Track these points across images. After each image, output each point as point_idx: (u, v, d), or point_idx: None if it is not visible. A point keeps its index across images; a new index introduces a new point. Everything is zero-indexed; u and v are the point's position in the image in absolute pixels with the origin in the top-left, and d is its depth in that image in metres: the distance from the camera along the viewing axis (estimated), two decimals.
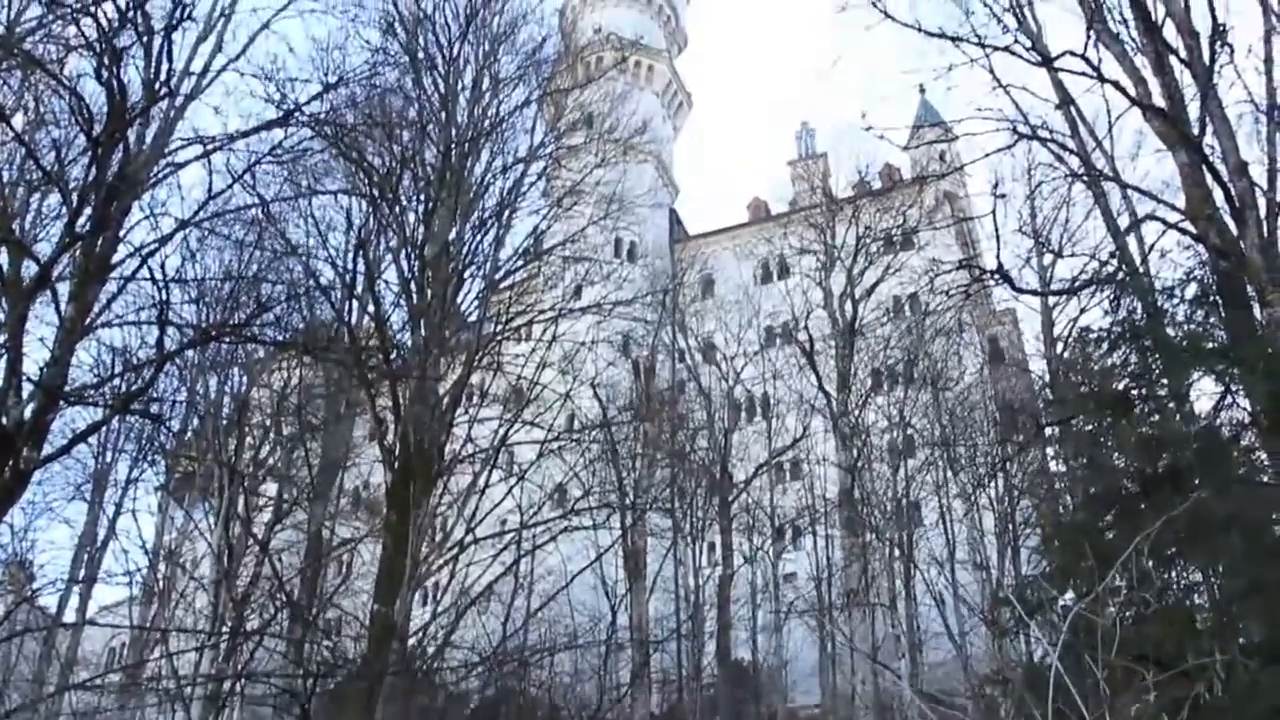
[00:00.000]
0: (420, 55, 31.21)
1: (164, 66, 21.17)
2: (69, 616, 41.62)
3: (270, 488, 39.19)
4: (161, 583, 41.63)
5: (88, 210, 19.69)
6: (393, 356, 28.35)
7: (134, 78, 21.21)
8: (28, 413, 17.93)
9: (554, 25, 42.63)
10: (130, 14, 20.62)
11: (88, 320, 20.08)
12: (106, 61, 19.80)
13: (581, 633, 43.69)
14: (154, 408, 29.38)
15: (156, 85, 20.95)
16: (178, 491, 42.36)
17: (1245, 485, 20.09)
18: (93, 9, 20.46)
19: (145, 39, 20.94)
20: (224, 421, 37.39)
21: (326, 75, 27.57)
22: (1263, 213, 20.70)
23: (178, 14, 21.15)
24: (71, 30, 22.31)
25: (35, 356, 24.00)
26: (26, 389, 18.35)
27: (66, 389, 20.09)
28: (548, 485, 38.65)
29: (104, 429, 36.92)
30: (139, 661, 40.57)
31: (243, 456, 36.76)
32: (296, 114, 24.37)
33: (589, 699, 43.43)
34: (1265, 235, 20.23)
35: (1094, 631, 13.01)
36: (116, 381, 29.26)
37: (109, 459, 42.65)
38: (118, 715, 38.06)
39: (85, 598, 41.61)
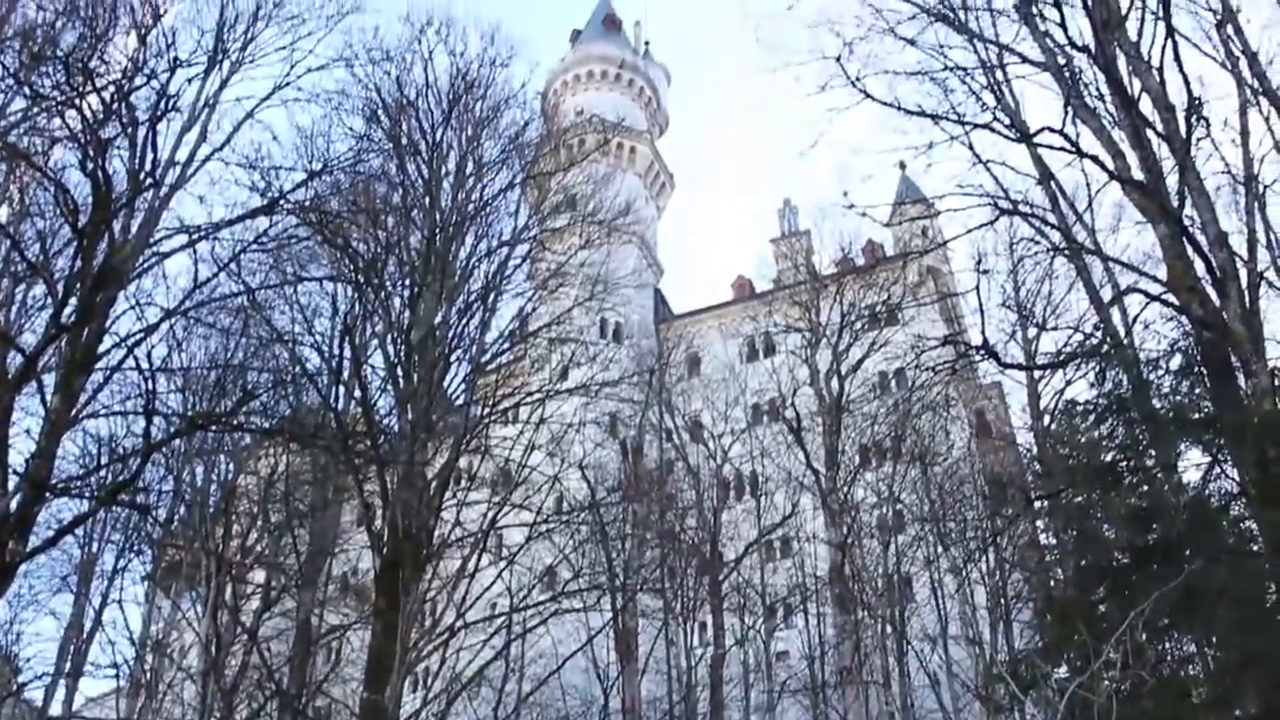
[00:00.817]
0: (404, 141, 31.43)
1: (149, 157, 21.33)
2: (55, 709, 41.07)
3: (258, 575, 38.93)
4: (149, 674, 41.19)
5: (73, 301, 19.73)
6: (380, 441, 28.31)
7: (119, 168, 21.36)
8: (13, 505, 17.86)
9: (536, 109, 42.99)
10: (115, 105, 20.79)
11: (74, 411, 20.06)
12: (91, 153, 19.93)
13: (574, 717, 43.33)
14: (140, 498, 29.30)
15: (141, 175, 21.09)
16: (165, 581, 42.02)
17: (1236, 556, 20.08)
18: (77, 101, 20.62)
19: (130, 130, 21.10)
20: (211, 510, 37.19)
21: (311, 163, 27.78)
22: (1244, 283, 20.81)
23: (162, 105, 21.34)
24: (56, 122, 22.47)
25: (21, 448, 23.94)
26: (12, 481, 18.28)
27: (52, 480, 20.02)
28: (537, 568, 38.46)
29: (90, 520, 36.68)
30: None
31: (230, 545, 36.54)
32: (281, 202, 24.55)
33: None
34: (1247, 305, 20.33)
35: (1090, 707, 12.94)
36: (103, 472, 29.14)
37: (95, 549, 42.33)
38: None
39: (72, 690, 41.11)
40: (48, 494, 19.62)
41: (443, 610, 33.07)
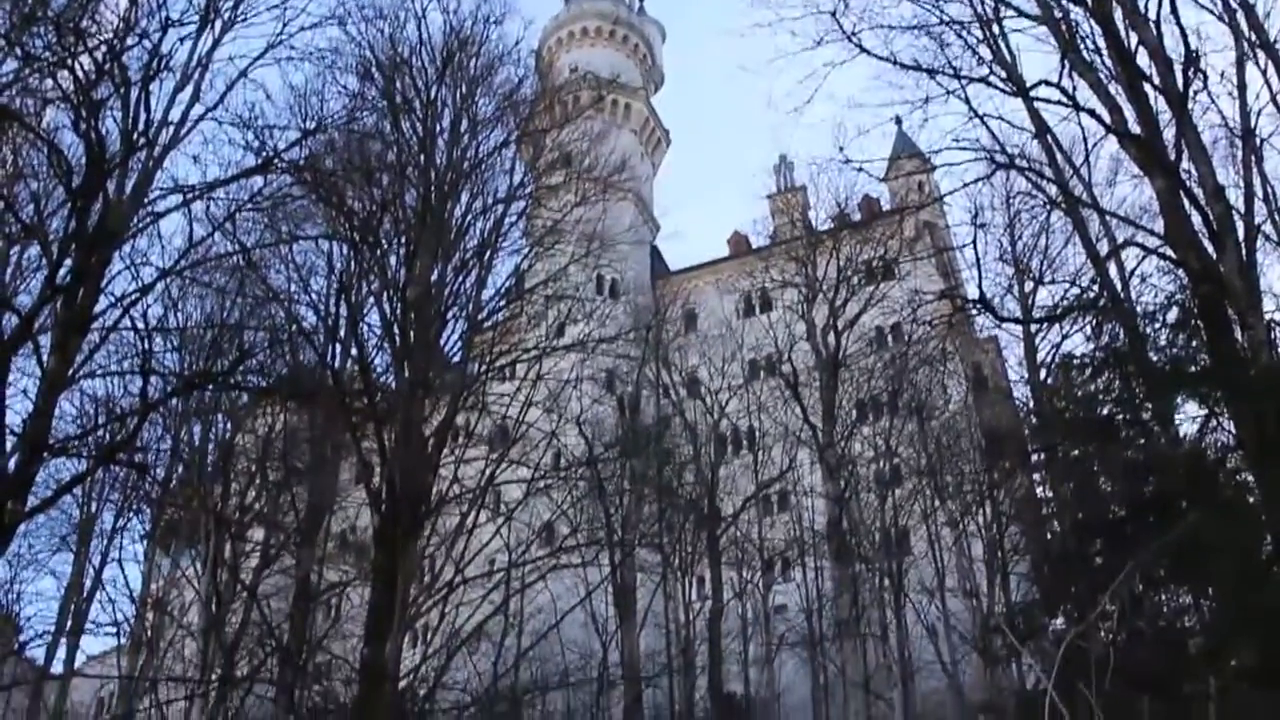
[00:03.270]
0: (398, 99, 31.22)
1: (141, 117, 21.23)
2: (57, 668, 41.28)
3: (257, 533, 39.00)
4: (149, 631, 41.37)
5: (68, 262, 19.69)
6: (377, 399, 28.31)
7: (112, 129, 21.26)
8: (11, 465, 17.89)
9: (530, 66, 42.64)
10: (107, 66, 20.69)
11: (70, 371, 20.04)
12: (84, 113, 19.86)
13: (573, 670, 43.49)
14: (138, 457, 29.30)
15: (134, 135, 21.00)
16: (164, 540, 42.15)
17: (1233, 509, 20.13)
18: (69, 62, 20.50)
19: (123, 90, 20.99)
20: (209, 469, 37.26)
21: (305, 122, 27.62)
22: (1241, 236, 20.80)
23: (155, 65, 21.23)
24: (48, 83, 22.33)
25: (18, 409, 23.95)
26: (10, 442, 18.30)
27: (50, 441, 20.05)
28: (535, 524, 38.56)
29: (88, 479, 36.75)
30: (128, 712, 40.28)
31: (228, 503, 36.65)
32: (276, 161, 24.43)
33: None
34: (1244, 258, 20.32)
35: (1087, 658, 12.99)
36: (100, 432, 29.20)
37: (94, 509, 42.35)
38: None
39: (73, 649, 41.21)
40: (46, 454, 19.66)
41: (441, 566, 33.17)
